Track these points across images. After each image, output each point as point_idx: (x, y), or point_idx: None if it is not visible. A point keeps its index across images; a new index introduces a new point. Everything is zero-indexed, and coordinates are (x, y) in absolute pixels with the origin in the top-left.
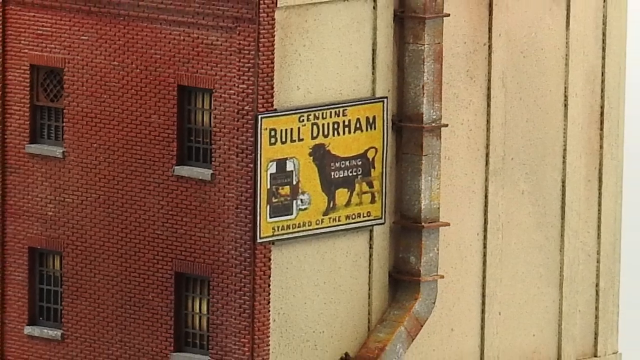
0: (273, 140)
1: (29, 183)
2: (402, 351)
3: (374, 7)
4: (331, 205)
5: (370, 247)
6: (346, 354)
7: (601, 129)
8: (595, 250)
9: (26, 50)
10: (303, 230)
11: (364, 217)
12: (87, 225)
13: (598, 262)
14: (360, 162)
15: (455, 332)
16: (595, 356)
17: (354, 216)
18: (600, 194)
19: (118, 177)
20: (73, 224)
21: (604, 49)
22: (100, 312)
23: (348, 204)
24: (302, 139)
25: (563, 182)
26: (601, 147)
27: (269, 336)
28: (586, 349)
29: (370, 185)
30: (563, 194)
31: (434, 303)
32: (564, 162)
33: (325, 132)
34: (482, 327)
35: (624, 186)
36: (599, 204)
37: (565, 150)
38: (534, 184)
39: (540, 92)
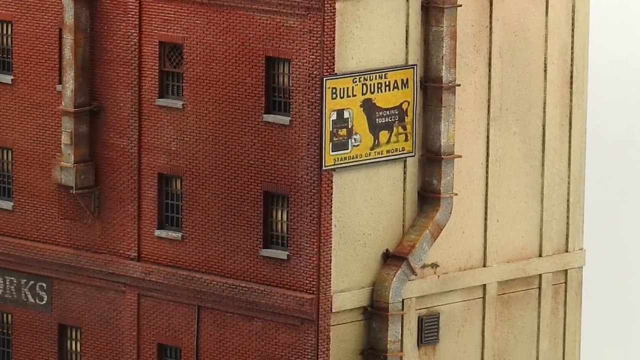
0: (334, 96)
1: (158, 127)
2: (427, 248)
3: (407, 0)
4: (376, 142)
5: (404, 173)
6: (387, 250)
7: (571, 88)
8: (567, 175)
9: (156, 31)
10: (356, 161)
11: (399, 151)
12: (200, 156)
13: (569, 183)
14: (397, 112)
15: (466, 234)
16: (567, 251)
17: (392, 150)
18: (570, 134)
19: (222, 122)
20: (190, 155)
21: (572, 30)
22: (210, 219)
23: (388, 141)
24: (355, 95)
25: (543, 126)
26: (571, 100)
27: (331, 237)
28: (560, 246)
29: (404, 128)
30: (543, 135)
31: (450, 213)
32: (544, 111)
33: (372, 90)
34: (485, 231)
35: (587, 128)
36: (569, 142)
37: (545, 103)
38: (522, 127)
39: (527, 61)
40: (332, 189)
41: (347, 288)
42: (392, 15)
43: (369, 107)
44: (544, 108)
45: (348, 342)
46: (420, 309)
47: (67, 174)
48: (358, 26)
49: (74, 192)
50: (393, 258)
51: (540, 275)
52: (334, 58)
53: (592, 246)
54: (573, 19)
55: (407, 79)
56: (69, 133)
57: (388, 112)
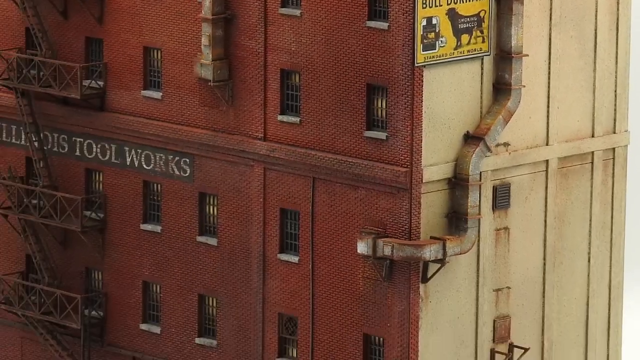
0: (424, 5)
1: (280, 31)
2: (501, 130)
3: None
4: (458, 44)
5: (481, 69)
6: (467, 131)
7: (617, 4)
8: (614, 70)
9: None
10: (442, 59)
11: (477, 51)
12: (315, 55)
13: (616, 77)
14: (476, 19)
15: (532, 119)
16: (614, 132)
17: (471, 50)
18: (617, 37)
19: (333, 27)
20: (307, 54)
21: None
22: (322, 107)
23: (468, 43)
24: (441, 5)
25: (595, 30)
26: (618, 9)
27: (422, 121)
28: (608, 128)
29: (482, 32)
30: (595, 37)
31: (519, 102)
32: (595, 18)
33: (455, 1)
34: (548, 116)
35: (631, 32)
36: (616, 43)
37: (596, 11)
38: (578, 32)
39: None
40: (422, 82)
41: (434, 163)
42: None
43: (452, 15)
44: (596, 15)
45: (435, 207)
46: (495, 180)
47: (206, 70)
48: None
49: (211, 84)
50: (472, 138)
51: (592, 152)
52: None
53: (635, 128)
54: None
55: None
56: (207, 36)
57: (468, 19)
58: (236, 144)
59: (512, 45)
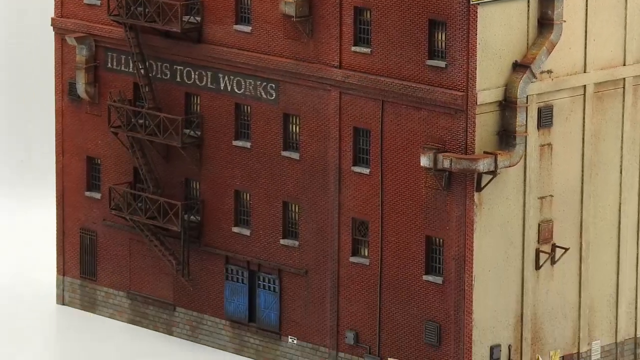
0: None
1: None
2: (544, 59)
3: None
4: None
5: (528, 6)
6: (516, 60)
7: None
8: None
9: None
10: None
11: None
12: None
13: None
14: None
15: (572, 49)
16: None
17: None
18: None
19: None
20: None
21: None
22: (391, 39)
23: None
24: None
25: None
26: None
27: (476, 51)
28: (638, 57)
29: None
30: None
31: (560, 35)
32: None
33: None
34: (585, 47)
35: None
36: None
37: None
38: None
39: None
40: (477, 17)
41: (487, 87)
42: None
43: None
44: None
45: (488, 126)
46: (539, 102)
47: (290, 7)
48: None
49: (294, 19)
50: (520, 66)
51: (624, 78)
52: None
53: None
54: None
55: None
56: None
57: None
58: (315, 72)
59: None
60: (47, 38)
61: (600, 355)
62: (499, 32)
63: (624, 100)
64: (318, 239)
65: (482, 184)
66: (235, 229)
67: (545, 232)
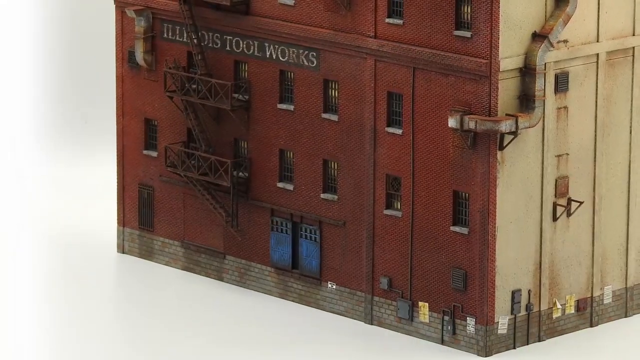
0: None
1: None
2: (561, 30)
3: None
4: None
5: None
6: (535, 31)
7: None
8: None
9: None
10: None
11: None
12: None
13: None
14: None
15: (586, 21)
16: None
17: None
18: None
19: None
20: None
21: None
22: (421, 12)
23: None
24: None
25: None
26: None
27: (499, 23)
28: None
29: None
30: None
31: (575, 7)
32: None
33: None
34: (598, 19)
35: None
36: None
37: None
38: None
39: None
40: None
41: (509, 55)
42: None
43: None
44: None
45: (510, 90)
46: (556, 69)
47: None
48: None
49: None
50: (539, 36)
51: (633, 47)
52: None
53: None
54: None
55: None
56: None
57: None
58: (352, 41)
59: None
60: (109, 11)
61: (612, 299)
62: (519, 5)
63: (633, 67)
64: (355, 193)
65: (505, 144)
66: (280, 184)
67: (561, 187)
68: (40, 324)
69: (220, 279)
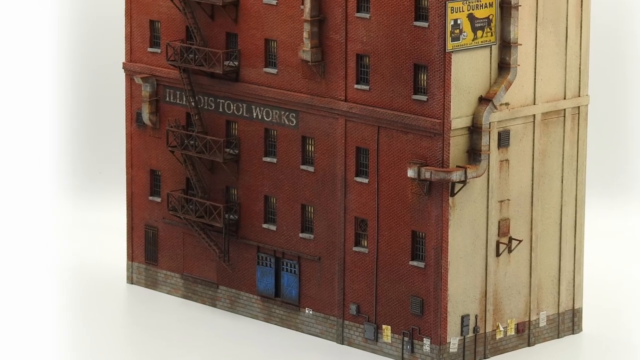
0: (452, 11)
1: (354, 30)
2: (503, 94)
3: None
4: (474, 37)
5: (490, 54)
6: (481, 95)
7: (581, 8)
8: (579, 54)
9: None
10: (464, 47)
11: (488, 42)
12: (379, 45)
13: (580, 58)
14: (486, 20)
15: (524, 87)
16: (579, 96)
17: (484, 41)
18: (581, 32)
19: (392, 28)
20: (374, 44)
21: None
22: (383, 80)
23: (482, 37)
24: (464, 11)
25: (566, 27)
26: (581, 14)
27: (450, 89)
28: (575, 93)
29: (490, 29)
30: (566, 32)
31: (516, 75)
32: (566, 19)
33: (473, 8)
34: (535, 85)
35: (590, 29)
36: (580, 39)
37: (567, 15)
38: (554, 28)
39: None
40: (451, 62)
41: (459, 116)
42: None
43: (471, 17)
44: (567, 18)
45: (459, 146)
46: (499, 127)
47: (306, 54)
48: None
49: (310, 63)
50: (484, 100)
51: (564, 109)
52: None
53: (593, 93)
54: None
55: (492, 2)
56: (307, 31)
57: (482, 20)
58: (326, 104)
59: (511, 37)
60: (119, 78)
61: (546, 323)
62: (467, 73)
63: (564, 126)
64: (328, 233)
65: (455, 191)
66: (265, 225)
67: (503, 227)
68: (61, 342)
69: (214, 305)
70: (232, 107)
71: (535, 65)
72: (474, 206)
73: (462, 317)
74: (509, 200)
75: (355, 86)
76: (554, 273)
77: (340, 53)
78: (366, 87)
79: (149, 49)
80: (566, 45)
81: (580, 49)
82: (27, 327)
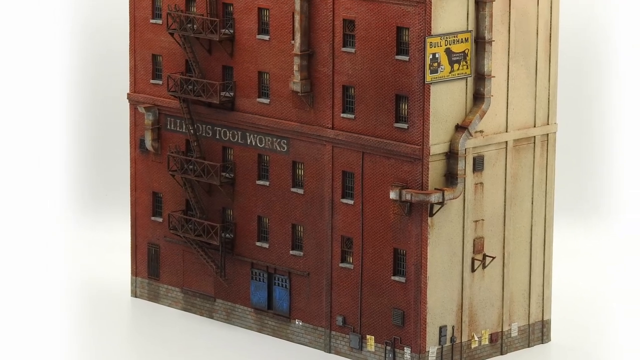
0: (431, 46)
1: (341, 63)
2: (478, 122)
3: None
4: (452, 69)
5: (466, 85)
6: (457, 124)
7: (550, 43)
8: (547, 86)
9: (339, 14)
10: (442, 79)
11: (464, 74)
12: (363, 77)
13: (548, 90)
14: (463, 54)
15: (497, 115)
16: (548, 124)
17: (460, 74)
18: (549, 66)
19: (375, 61)
20: (358, 76)
21: (551, 14)
22: (368, 110)
23: (458, 69)
24: (441, 45)
25: (536, 61)
26: (550, 50)
27: (429, 118)
28: (544, 121)
29: (466, 62)
30: (536, 66)
31: (489, 105)
32: (536, 54)
33: (450, 43)
34: (507, 114)
35: (558, 62)
36: (549, 70)
37: (537, 50)
38: (525, 62)
39: (528, 29)
40: (430, 93)
41: (437, 142)
42: (461, 5)
43: (448, 52)
44: (536, 52)
45: (438, 170)
46: (474, 153)
47: (296, 85)
48: (442, 11)
49: (300, 94)
50: (460, 128)
51: (534, 136)
52: (431, 27)
53: (561, 122)
54: (551, 9)
55: (467, 38)
56: (297, 64)
57: (458, 54)
58: (315, 131)
59: (485, 70)
60: (124, 107)
61: (518, 333)
62: (445, 103)
63: (534, 152)
64: (317, 250)
65: (434, 211)
66: (258, 243)
67: (478, 245)
68: (70, 350)
69: (212, 317)
70: (228, 135)
71: (508, 96)
72: (451, 226)
73: (440, 328)
74: (483, 220)
75: (342, 115)
76: (524, 287)
77: (328, 84)
78: (352, 116)
79: (152, 81)
80: (536, 78)
81: (549, 81)
82: (39, 336)
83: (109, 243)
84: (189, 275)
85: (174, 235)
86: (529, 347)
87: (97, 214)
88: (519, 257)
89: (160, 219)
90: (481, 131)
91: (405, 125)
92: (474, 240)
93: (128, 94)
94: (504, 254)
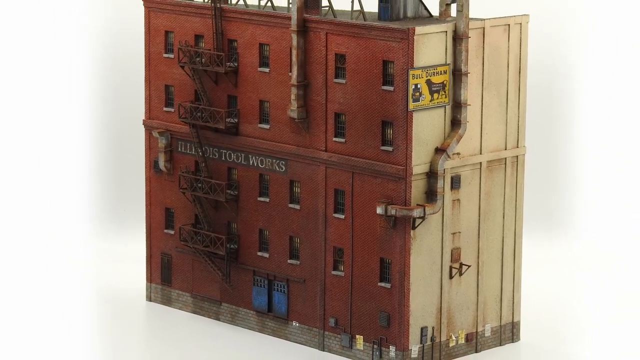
0: (413, 77)
1: (333, 93)
2: (455, 145)
3: (446, 35)
4: (432, 98)
5: (444, 112)
6: (437, 147)
7: (519, 75)
8: (517, 115)
9: (331, 50)
10: (423, 107)
11: (443, 103)
12: (353, 105)
13: (518, 117)
14: (441, 85)
15: (472, 140)
16: (517, 147)
17: (439, 102)
18: (519, 96)
19: (362, 91)
20: (349, 104)
21: (520, 49)
22: (355, 137)
23: (438, 98)
24: (422, 77)
25: (507, 91)
26: (519, 81)
27: (412, 142)
28: (514, 144)
29: (445, 92)
30: (507, 95)
31: (465, 130)
32: (507, 85)
33: (430, 75)
34: (481, 137)
35: (527, 92)
36: (519, 99)
37: (508, 81)
38: (497, 91)
39: (499, 63)
40: (412, 119)
41: (419, 163)
42: (440, 41)
43: (429, 83)
44: (507, 83)
45: (419, 188)
46: (452, 173)
47: (293, 112)
48: (424, 46)
49: (296, 120)
50: (440, 150)
51: (505, 158)
52: (413, 60)
53: (530, 145)
54: (520, 44)
55: (446, 70)
56: (294, 94)
57: (437, 85)
58: (310, 153)
59: (462, 99)
60: (140, 132)
61: (491, 333)
62: (426, 129)
63: (505, 172)
64: (312, 259)
65: (416, 225)
66: (259, 253)
67: (455, 255)
68: (90, 350)
69: (218, 319)
70: (232, 156)
71: (482, 122)
72: (431, 237)
73: (422, 329)
74: (460, 232)
75: (334, 139)
76: (496, 292)
77: (322, 112)
78: (343, 140)
79: (165, 109)
80: (507, 106)
81: (519, 109)
82: (63, 336)
83: (126, 253)
84: (198, 281)
85: (184, 246)
86: (500, 345)
87: (116, 227)
88: (491, 265)
89: (172, 232)
90: (458, 153)
91: (390, 148)
92: (451, 250)
93: (143, 120)
94: (478, 262)
